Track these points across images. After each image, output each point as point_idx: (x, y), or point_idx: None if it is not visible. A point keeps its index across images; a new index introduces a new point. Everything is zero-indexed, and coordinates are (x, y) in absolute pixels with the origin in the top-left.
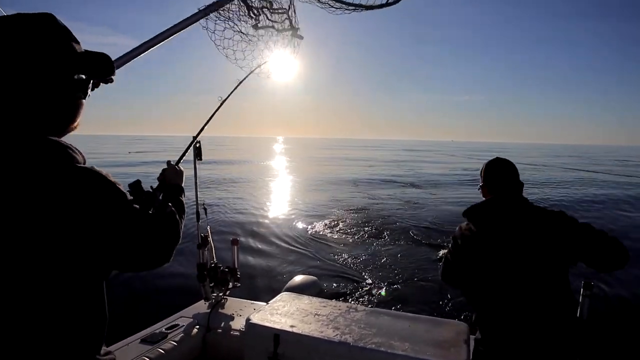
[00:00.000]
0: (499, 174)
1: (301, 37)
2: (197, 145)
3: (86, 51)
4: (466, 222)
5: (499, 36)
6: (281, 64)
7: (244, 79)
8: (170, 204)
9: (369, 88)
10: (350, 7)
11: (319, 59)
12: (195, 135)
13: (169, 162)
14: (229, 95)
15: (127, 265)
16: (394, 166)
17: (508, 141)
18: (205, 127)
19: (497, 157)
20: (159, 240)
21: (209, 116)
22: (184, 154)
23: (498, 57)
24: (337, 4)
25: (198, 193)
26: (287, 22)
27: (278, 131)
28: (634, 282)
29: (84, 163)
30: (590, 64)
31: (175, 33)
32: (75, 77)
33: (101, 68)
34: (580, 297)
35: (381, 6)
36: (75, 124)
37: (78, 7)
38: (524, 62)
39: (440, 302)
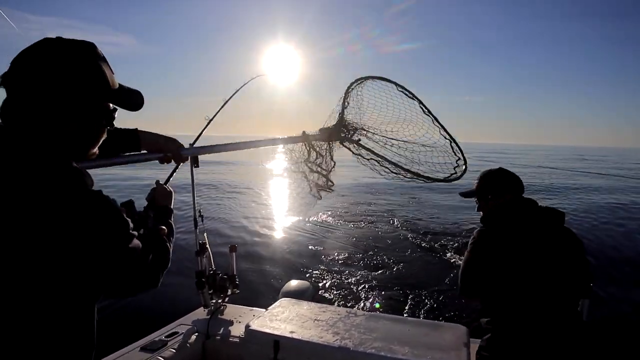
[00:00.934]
0: (510, 180)
1: (330, 190)
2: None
3: (120, 85)
4: (483, 228)
5: (498, 37)
6: (279, 75)
7: (233, 94)
8: (162, 227)
9: None
10: (409, 175)
11: (319, 60)
12: (192, 143)
13: (157, 182)
14: (216, 113)
15: (115, 292)
16: None
17: (508, 142)
18: (193, 122)
19: (500, 168)
20: (149, 270)
21: (199, 132)
22: (173, 172)
23: (498, 57)
24: (392, 167)
25: (195, 199)
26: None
27: (277, 132)
28: (633, 283)
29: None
30: (592, 65)
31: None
32: (106, 106)
33: (132, 103)
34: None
35: (445, 180)
36: (95, 149)
37: (78, 6)
38: (523, 63)
39: (440, 306)
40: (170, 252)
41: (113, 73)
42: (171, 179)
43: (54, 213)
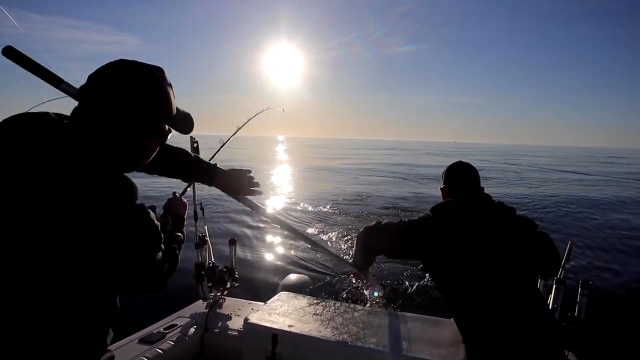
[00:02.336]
0: (461, 177)
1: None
2: (195, 145)
3: (177, 109)
4: (430, 215)
5: (498, 38)
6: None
7: (245, 123)
8: (178, 234)
9: (370, 89)
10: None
11: (321, 60)
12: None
13: (174, 194)
14: (229, 139)
15: (128, 292)
16: (398, 167)
17: (508, 142)
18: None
19: (459, 161)
20: (163, 276)
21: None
22: (188, 187)
23: (497, 58)
24: None
25: (196, 192)
26: None
27: (279, 131)
28: (632, 281)
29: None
30: (592, 65)
31: None
32: (164, 127)
33: (186, 128)
34: (578, 297)
35: None
36: (148, 160)
37: (83, 6)
38: (522, 64)
39: (439, 302)
40: (179, 258)
41: (175, 98)
42: (186, 191)
43: (99, 219)
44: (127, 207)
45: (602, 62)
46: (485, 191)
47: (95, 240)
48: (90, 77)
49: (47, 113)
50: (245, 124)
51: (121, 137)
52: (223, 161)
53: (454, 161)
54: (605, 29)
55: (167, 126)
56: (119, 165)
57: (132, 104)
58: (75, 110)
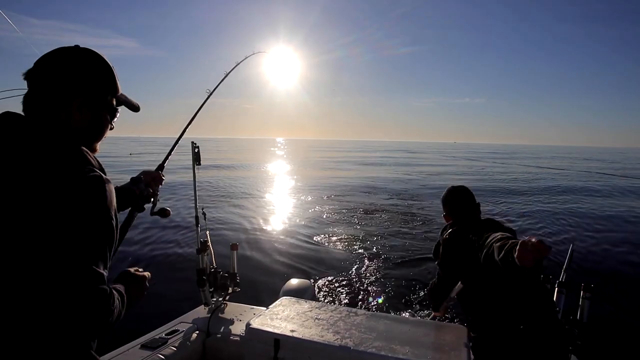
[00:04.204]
0: (457, 200)
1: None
2: (196, 150)
3: (125, 95)
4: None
5: (498, 39)
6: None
7: (231, 70)
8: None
9: (370, 90)
10: None
11: (320, 62)
12: (181, 132)
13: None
14: (216, 87)
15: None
16: (396, 170)
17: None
18: (197, 123)
19: (452, 186)
20: (98, 290)
21: (197, 110)
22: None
23: (497, 59)
24: None
25: (197, 197)
26: None
27: (278, 133)
28: (633, 283)
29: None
30: (592, 67)
31: None
32: (112, 102)
33: (133, 105)
34: (580, 300)
35: None
36: (98, 145)
37: (81, 9)
38: (522, 65)
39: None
40: (112, 317)
41: (119, 81)
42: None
43: (53, 188)
44: (79, 174)
45: (602, 63)
46: (480, 204)
47: (48, 215)
48: (37, 62)
49: (7, 112)
50: (233, 69)
51: (73, 106)
52: (224, 164)
53: (450, 187)
54: (606, 30)
55: (114, 103)
56: (73, 137)
57: (78, 71)
58: (26, 95)
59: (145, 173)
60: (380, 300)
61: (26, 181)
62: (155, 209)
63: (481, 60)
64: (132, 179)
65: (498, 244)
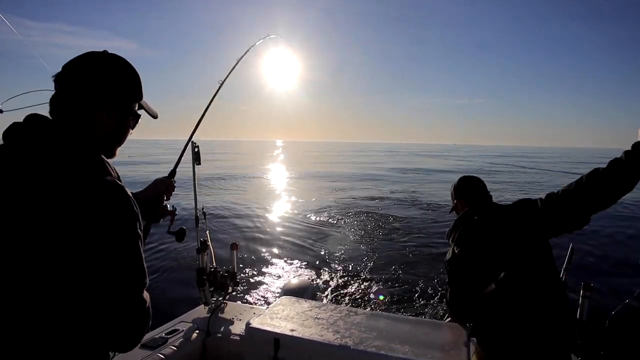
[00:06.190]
0: (476, 186)
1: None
2: (196, 150)
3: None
4: (453, 246)
5: (497, 40)
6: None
7: (244, 54)
8: None
9: (369, 91)
10: None
11: (319, 63)
12: (202, 113)
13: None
14: (228, 75)
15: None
16: (397, 171)
17: (508, 144)
18: (202, 125)
19: (464, 175)
20: (140, 299)
21: (209, 101)
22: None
23: (496, 60)
24: None
25: (197, 197)
26: None
27: (277, 135)
28: (633, 282)
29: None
30: (592, 67)
31: None
32: (134, 109)
33: (153, 112)
34: (580, 299)
35: None
36: (117, 150)
37: (79, 11)
38: (521, 66)
39: (440, 305)
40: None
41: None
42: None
43: (73, 197)
44: (97, 182)
45: (603, 64)
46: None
47: (74, 224)
48: (65, 65)
49: (34, 114)
50: (244, 54)
51: (104, 110)
52: (226, 167)
53: (462, 177)
54: (608, 29)
55: (136, 110)
56: (98, 142)
57: (110, 77)
58: (54, 97)
59: (159, 182)
60: (382, 297)
61: (56, 190)
62: (173, 228)
63: (481, 61)
64: (147, 188)
65: (574, 185)
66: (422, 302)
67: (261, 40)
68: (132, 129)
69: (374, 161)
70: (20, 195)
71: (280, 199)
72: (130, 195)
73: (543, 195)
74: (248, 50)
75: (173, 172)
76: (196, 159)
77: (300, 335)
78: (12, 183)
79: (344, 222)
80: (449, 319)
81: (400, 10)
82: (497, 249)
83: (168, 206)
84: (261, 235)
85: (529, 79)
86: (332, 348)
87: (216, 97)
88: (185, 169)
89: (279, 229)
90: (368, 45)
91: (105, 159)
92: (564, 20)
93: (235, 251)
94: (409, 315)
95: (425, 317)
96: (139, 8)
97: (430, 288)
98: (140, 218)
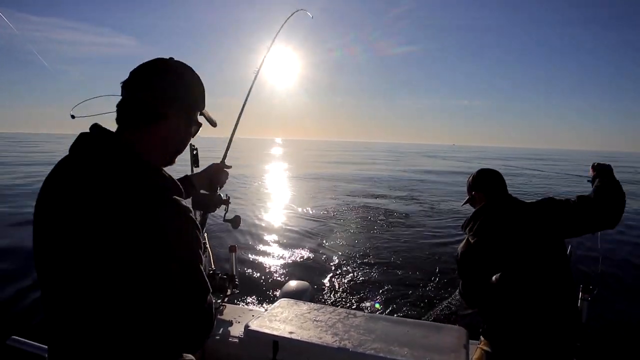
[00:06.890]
0: (495, 179)
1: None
2: (194, 152)
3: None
4: (469, 236)
5: (497, 40)
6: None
7: (278, 32)
8: None
9: (368, 91)
10: None
11: (318, 62)
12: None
13: None
14: (262, 61)
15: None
16: (397, 171)
17: (508, 146)
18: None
19: (481, 168)
20: (208, 309)
21: (248, 92)
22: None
23: (496, 61)
24: None
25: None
26: None
27: (277, 133)
28: (633, 284)
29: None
30: (592, 69)
31: None
32: (197, 118)
33: (213, 120)
34: (579, 301)
35: None
36: (182, 151)
37: (82, 9)
38: (521, 66)
39: (440, 307)
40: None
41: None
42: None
43: (136, 216)
44: (162, 202)
45: (602, 65)
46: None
47: (138, 243)
48: (133, 71)
49: (95, 125)
50: (277, 34)
51: (172, 119)
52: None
53: (479, 169)
54: (605, 33)
55: (198, 120)
56: (158, 155)
57: (180, 85)
58: (121, 103)
59: (214, 170)
60: (377, 306)
61: (119, 208)
62: (228, 216)
63: (481, 62)
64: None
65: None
66: (421, 304)
67: (292, 15)
68: (193, 137)
69: (374, 161)
70: (86, 211)
71: (279, 199)
72: (191, 210)
73: (569, 197)
74: (280, 29)
75: (224, 159)
76: (194, 161)
77: (299, 338)
78: (78, 198)
79: (343, 223)
80: (468, 310)
81: (399, 9)
82: (516, 243)
83: (222, 195)
84: (260, 238)
85: (529, 81)
86: (331, 350)
87: (221, 95)
88: (184, 170)
89: (277, 230)
90: (366, 45)
91: (164, 170)
92: (564, 23)
93: (234, 253)
94: (408, 317)
95: (424, 320)
96: (140, 5)
97: (429, 290)
98: (199, 222)
